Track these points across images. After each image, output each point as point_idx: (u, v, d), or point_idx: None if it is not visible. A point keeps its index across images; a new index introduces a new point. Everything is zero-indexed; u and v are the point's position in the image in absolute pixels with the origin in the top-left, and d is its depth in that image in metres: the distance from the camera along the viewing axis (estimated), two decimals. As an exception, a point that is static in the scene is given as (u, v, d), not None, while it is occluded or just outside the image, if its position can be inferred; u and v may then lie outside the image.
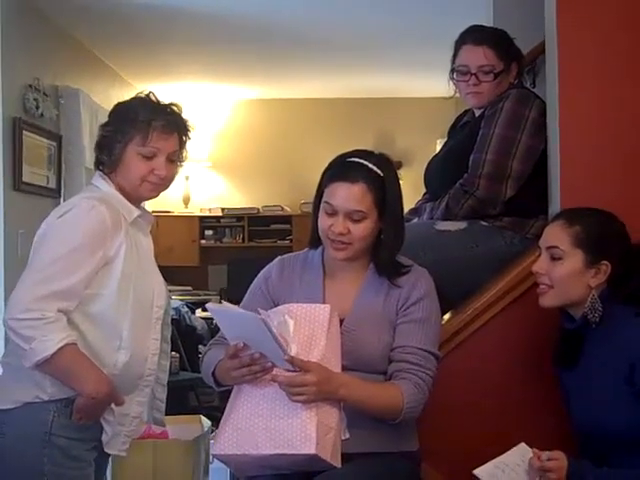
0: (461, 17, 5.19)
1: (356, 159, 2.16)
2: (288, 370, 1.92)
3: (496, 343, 2.51)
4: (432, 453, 2.33)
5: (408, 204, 2.84)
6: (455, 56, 2.79)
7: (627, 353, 2.01)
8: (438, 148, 3.27)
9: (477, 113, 2.83)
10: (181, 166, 2.37)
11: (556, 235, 2.14)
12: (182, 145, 2.34)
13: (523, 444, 2.06)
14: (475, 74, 2.72)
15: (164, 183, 2.31)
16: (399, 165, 7.74)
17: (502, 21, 3.45)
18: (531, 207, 2.65)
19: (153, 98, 2.32)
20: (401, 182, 2.24)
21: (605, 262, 2.10)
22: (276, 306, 2.12)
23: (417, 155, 7.50)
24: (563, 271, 2.11)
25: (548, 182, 2.61)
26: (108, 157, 2.27)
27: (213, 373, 2.12)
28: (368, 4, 5.37)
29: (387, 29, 5.87)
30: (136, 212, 2.29)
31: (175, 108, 2.33)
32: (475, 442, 2.40)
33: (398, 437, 2.13)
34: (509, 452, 2.06)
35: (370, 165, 2.14)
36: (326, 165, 2.22)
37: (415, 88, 7.60)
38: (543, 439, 2.10)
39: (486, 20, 3.52)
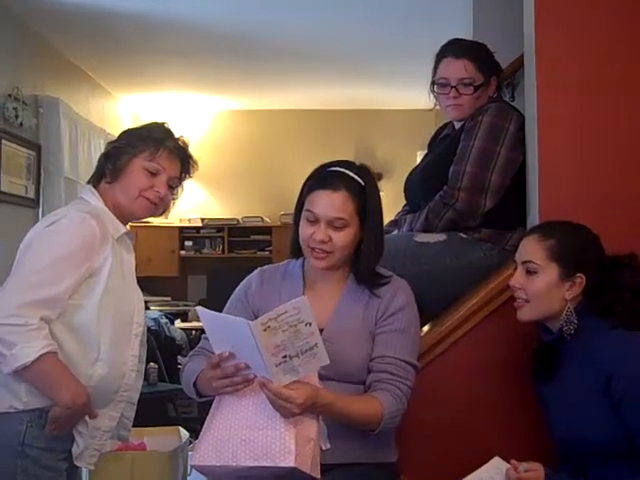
0: (441, 30, 5.22)
1: (337, 168, 2.18)
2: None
3: (475, 354, 2.51)
4: (411, 465, 2.32)
5: (388, 216, 2.85)
6: (436, 69, 2.81)
7: (603, 366, 2.02)
8: (419, 160, 3.28)
9: (457, 126, 2.84)
10: (175, 199, 2.44)
11: (531, 249, 2.15)
12: (182, 177, 2.42)
13: (497, 458, 2.08)
14: (455, 87, 2.74)
15: (159, 204, 2.36)
16: (379, 177, 7.76)
17: (482, 34, 3.49)
18: (510, 219, 2.66)
19: (167, 126, 2.42)
20: (381, 194, 2.25)
21: (580, 275, 2.11)
22: (256, 317, 2.11)
23: (397, 167, 7.52)
24: (539, 285, 2.12)
25: (526, 194, 2.62)
26: (112, 166, 2.32)
27: (194, 383, 2.11)
28: (350, 16, 5.40)
29: (368, 41, 5.90)
30: (123, 229, 2.33)
31: (184, 140, 2.43)
32: (455, 454, 2.40)
33: (377, 448, 2.13)
34: (484, 466, 2.08)
35: (351, 174, 2.16)
36: (306, 176, 2.23)
37: (396, 100, 7.64)
38: (523, 451, 2.10)
39: (466, 33, 3.55)
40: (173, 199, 2.42)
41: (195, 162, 2.46)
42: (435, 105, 2.86)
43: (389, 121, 8.01)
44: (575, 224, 2.19)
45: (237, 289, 2.31)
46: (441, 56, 2.80)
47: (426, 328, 2.60)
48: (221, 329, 1.98)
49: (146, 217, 2.40)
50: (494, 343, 2.50)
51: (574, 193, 2.47)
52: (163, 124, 2.42)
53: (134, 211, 2.34)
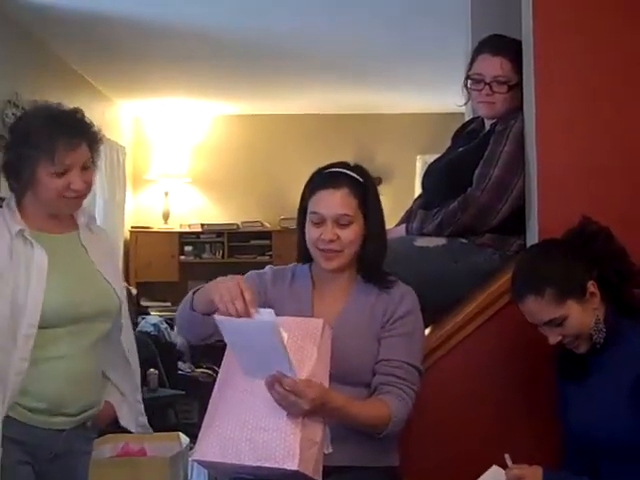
0: (440, 35, 5.24)
1: (336, 169, 2.23)
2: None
3: (475, 358, 2.51)
4: (413, 469, 2.32)
5: (389, 220, 2.84)
6: (472, 63, 2.77)
7: (634, 365, 2.02)
8: (418, 164, 3.27)
9: (487, 124, 2.81)
10: (94, 168, 2.27)
11: (540, 312, 2.09)
12: (93, 150, 2.25)
13: (495, 466, 2.08)
14: (489, 84, 2.70)
15: (83, 195, 2.24)
16: (379, 181, 7.73)
17: (480, 36, 3.47)
18: (514, 224, 2.63)
19: (50, 109, 2.23)
20: (381, 198, 2.26)
21: (588, 284, 2.09)
22: (265, 302, 2.14)
23: (397, 171, 7.53)
24: (575, 323, 2.08)
25: (526, 197, 2.61)
26: (17, 183, 2.20)
27: (195, 292, 2.21)
28: (348, 20, 5.40)
29: (367, 45, 5.90)
30: (18, 227, 2.18)
31: (77, 115, 2.25)
32: (456, 457, 2.41)
33: (379, 452, 2.14)
34: (483, 475, 2.09)
35: (350, 172, 2.21)
36: (306, 180, 2.25)
37: (395, 104, 7.65)
38: (524, 454, 2.10)
39: (465, 39, 3.54)
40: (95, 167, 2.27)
41: (96, 132, 2.25)
42: (467, 100, 2.82)
43: (388, 125, 8.01)
44: (542, 249, 2.19)
45: (248, 274, 2.28)
46: (479, 51, 2.77)
47: (426, 332, 2.59)
48: (240, 335, 1.97)
49: (77, 209, 2.29)
50: (494, 347, 2.49)
51: (573, 195, 2.46)
52: (46, 111, 2.21)
53: (61, 210, 2.26)
